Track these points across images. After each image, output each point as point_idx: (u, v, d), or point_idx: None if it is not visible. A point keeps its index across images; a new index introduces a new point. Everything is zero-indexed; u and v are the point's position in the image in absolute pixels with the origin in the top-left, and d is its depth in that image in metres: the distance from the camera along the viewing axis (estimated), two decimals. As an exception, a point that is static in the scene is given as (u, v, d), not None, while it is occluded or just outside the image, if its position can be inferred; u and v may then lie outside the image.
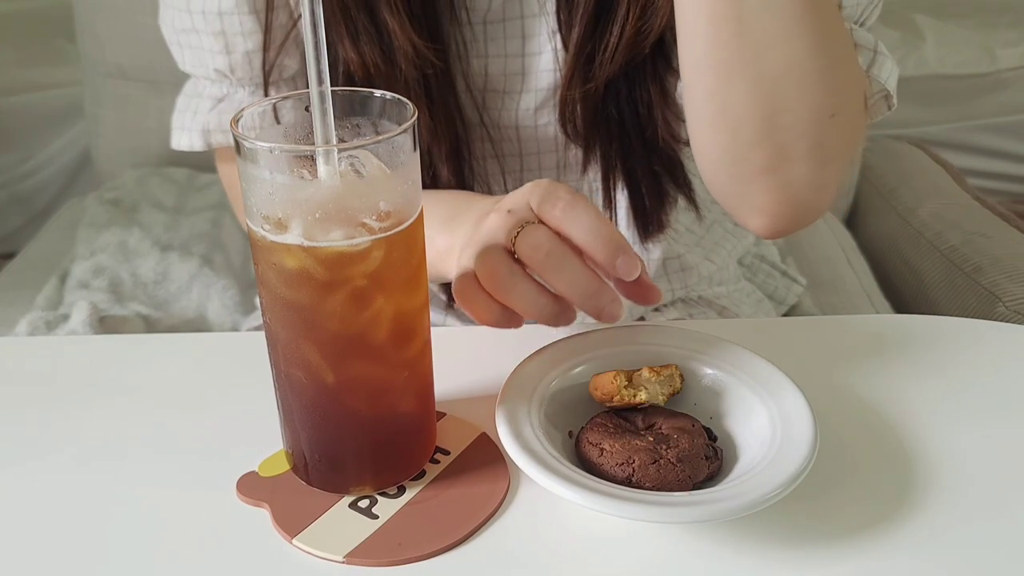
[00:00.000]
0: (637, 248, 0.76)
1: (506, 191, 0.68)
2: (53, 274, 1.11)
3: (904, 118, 2.03)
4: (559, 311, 0.55)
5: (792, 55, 0.54)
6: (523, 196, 0.56)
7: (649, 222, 0.74)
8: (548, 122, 0.73)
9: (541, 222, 0.55)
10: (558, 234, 0.54)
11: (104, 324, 0.95)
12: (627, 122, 0.70)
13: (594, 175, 0.74)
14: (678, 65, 0.63)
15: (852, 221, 1.37)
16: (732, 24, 0.53)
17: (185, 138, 0.75)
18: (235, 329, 1.00)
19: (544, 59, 0.70)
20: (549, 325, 0.56)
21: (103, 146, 1.40)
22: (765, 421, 0.52)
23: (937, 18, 2.20)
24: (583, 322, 0.78)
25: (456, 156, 0.72)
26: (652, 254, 0.79)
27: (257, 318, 0.90)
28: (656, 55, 0.68)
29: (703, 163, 0.63)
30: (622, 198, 0.73)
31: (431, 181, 0.72)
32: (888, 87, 0.63)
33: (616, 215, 0.74)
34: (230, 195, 0.87)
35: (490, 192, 0.76)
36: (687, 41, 0.57)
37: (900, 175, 1.33)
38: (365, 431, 0.49)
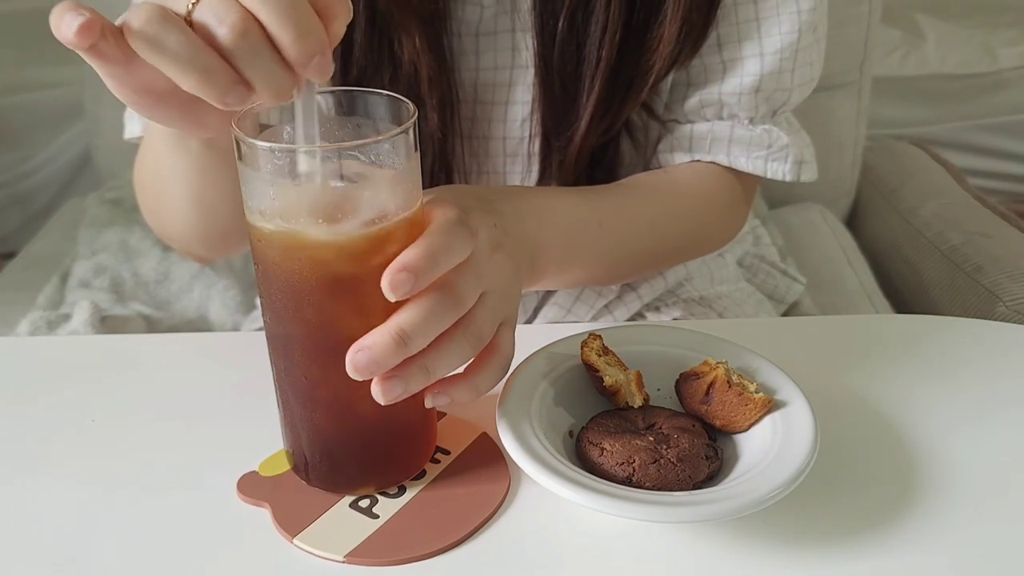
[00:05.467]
0: None
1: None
2: (54, 274, 1.11)
3: (905, 118, 2.03)
4: (231, 77, 0.41)
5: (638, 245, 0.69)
6: None
7: None
8: (528, 135, 0.73)
9: None
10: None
11: (105, 324, 0.95)
12: (609, 153, 0.73)
13: None
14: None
15: (853, 221, 1.37)
16: (594, 227, 0.65)
17: (129, 125, 0.72)
18: (236, 329, 1.00)
19: (531, 73, 0.70)
20: (217, 100, 0.41)
21: (103, 146, 1.40)
22: (765, 421, 0.52)
23: (938, 18, 2.20)
24: (584, 322, 0.78)
25: (445, 169, 0.72)
26: None
27: (258, 319, 0.90)
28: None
29: None
30: None
31: None
32: (787, 179, 0.73)
33: None
34: (151, 194, 0.71)
35: None
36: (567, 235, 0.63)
37: (901, 175, 1.32)
38: (366, 431, 0.49)
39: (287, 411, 0.50)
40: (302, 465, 0.51)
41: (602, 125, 0.69)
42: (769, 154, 0.71)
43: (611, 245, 0.66)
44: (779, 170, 0.72)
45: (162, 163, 0.62)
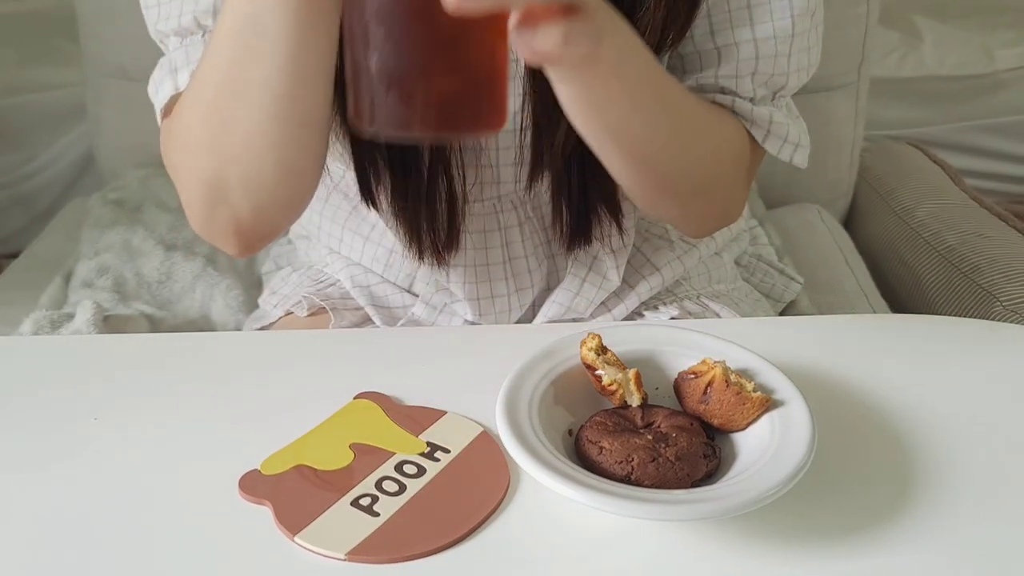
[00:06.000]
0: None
1: (463, 180, 0.72)
2: (57, 273, 1.12)
3: (902, 119, 2.03)
4: None
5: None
6: None
7: (575, 237, 0.76)
8: (520, 127, 0.73)
9: None
10: None
11: (108, 323, 0.95)
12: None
13: (545, 187, 0.75)
14: None
15: (850, 221, 1.38)
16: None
17: (160, 91, 0.70)
18: (238, 329, 1.01)
19: (521, 65, 0.70)
20: None
21: (105, 146, 1.40)
22: (763, 420, 0.52)
23: (936, 19, 2.21)
24: (583, 321, 0.79)
25: (443, 163, 0.72)
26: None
27: (259, 319, 0.90)
28: None
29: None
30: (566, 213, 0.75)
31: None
32: (781, 157, 0.73)
33: (563, 226, 0.76)
34: (217, 105, 0.63)
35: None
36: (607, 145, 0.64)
37: (898, 176, 1.33)
38: (440, 52, 0.48)
39: (356, 48, 0.48)
40: (367, 106, 0.49)
41: None
42: (771, 128, 0.72)
43: (651, 111, 0.64)
44: (777, 145, 0.73)
45: (248, 36, 0.59)
